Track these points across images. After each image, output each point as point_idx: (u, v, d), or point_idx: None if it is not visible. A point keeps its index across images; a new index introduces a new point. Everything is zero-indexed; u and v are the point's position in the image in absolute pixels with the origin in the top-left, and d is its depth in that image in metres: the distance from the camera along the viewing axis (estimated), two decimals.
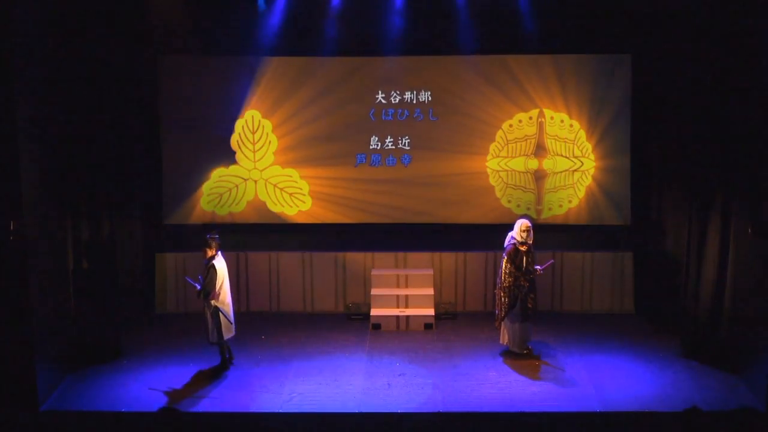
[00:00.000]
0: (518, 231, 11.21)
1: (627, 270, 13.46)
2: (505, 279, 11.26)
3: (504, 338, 11.57)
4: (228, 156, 13.83)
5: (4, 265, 9.70)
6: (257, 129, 13.79)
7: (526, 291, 11.24)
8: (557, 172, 13.65)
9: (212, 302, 10.83)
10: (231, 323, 11.05)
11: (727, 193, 10.81)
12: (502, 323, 11.48)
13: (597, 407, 10.03)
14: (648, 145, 13.00)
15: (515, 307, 11.27)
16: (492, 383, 10.73)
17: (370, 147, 13.76)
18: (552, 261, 12.22)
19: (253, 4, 13.12)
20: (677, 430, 8.93)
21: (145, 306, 13.28)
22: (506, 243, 11.39)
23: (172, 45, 13.37)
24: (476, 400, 10.27)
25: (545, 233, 12.91)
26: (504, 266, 11.29)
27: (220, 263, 10.94)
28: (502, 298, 11.32)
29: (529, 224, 11.23)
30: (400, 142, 13.78)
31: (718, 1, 10.76)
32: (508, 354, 11.55)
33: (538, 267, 11.43)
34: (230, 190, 13.92)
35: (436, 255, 13.57)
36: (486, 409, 9.98)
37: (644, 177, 13.15)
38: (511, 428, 9.56)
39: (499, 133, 13.67)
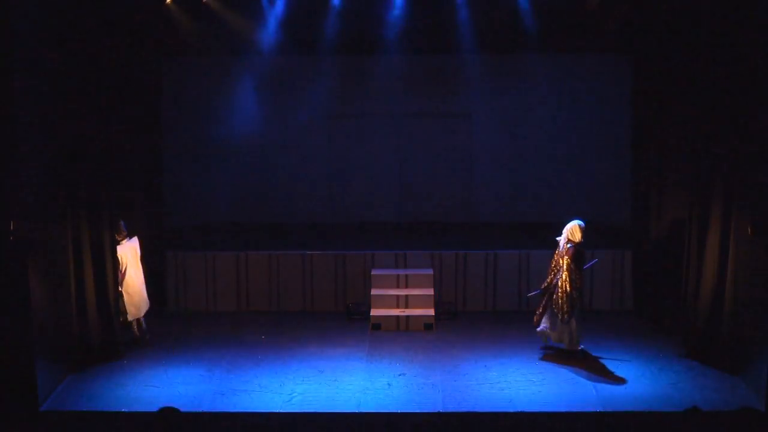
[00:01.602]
0: (577, 232, 11.19)
1: (627, 269, 13.45)
2: (574, 280, 11.20)
3: (560, 338, 11.43)
4: (229, 156, 13.85)
5: (4, 265, 9.70)
6: None
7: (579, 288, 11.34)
8: None
9: (119, 287, 11.52)
10: (132, 305, 11.62)
11: (727, 192, 10.80)
12: (560, 323, 11.37)
13: (597, 407, 10.03)
14: (648, 145, 13.00)
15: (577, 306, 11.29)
16: (492, 383, 10.72)
17: None
18: (596, 260, 12.17)
19: (254, 4, 13.14)
20: (677, 430, 8.93)
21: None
22: (561, 245, 11.32)
23: (173, 46, 13.37)
24: (476, 400, 10.26)
25: (545, 231, 12.91)
26: (567, 269, 11.20)
27: (123, 249, 11.51)
28: (569, 299, 11.20)
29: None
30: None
31: (718, 1, 10.77)
32: (547, 353, 11.54)
33: None
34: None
35: (436, 255, 13.56)
36: (486, 409, 9.98)
37: (644, 176, 13.15)
38: (511, 428, 9.56)
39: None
